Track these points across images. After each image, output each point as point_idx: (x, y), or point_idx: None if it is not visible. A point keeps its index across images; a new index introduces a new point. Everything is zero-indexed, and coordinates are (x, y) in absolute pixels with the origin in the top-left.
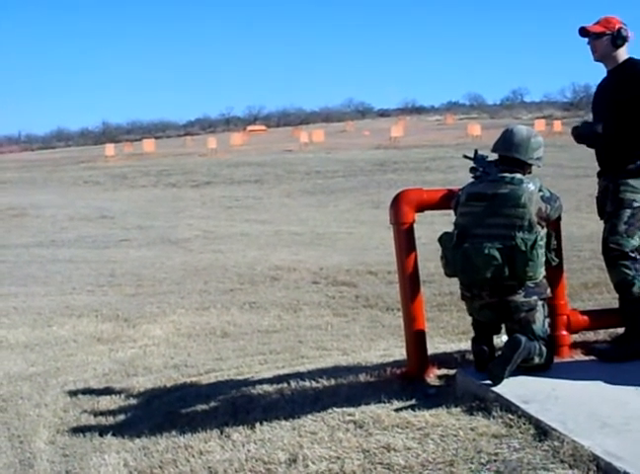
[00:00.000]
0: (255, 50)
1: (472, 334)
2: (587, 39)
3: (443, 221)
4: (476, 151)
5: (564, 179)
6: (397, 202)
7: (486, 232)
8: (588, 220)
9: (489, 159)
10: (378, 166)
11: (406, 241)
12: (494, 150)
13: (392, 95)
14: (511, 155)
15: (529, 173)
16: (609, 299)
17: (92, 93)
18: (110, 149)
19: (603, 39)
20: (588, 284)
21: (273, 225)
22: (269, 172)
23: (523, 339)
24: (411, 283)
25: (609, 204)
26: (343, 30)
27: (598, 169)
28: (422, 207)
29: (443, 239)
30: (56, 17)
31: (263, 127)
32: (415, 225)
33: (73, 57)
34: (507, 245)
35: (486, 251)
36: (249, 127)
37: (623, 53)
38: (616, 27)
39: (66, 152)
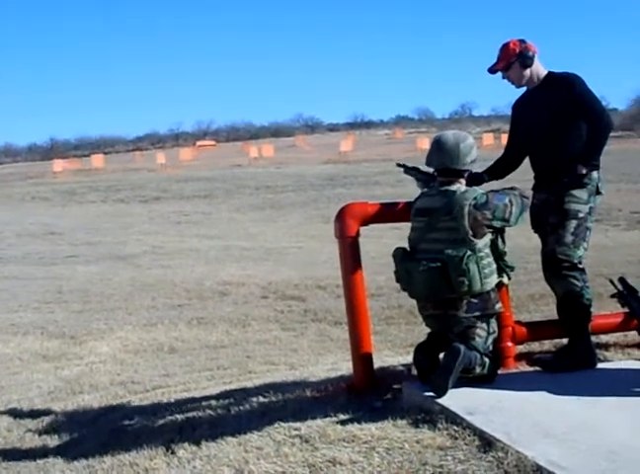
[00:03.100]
0: (203, 65)
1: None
2: (501, 76)
3: (393, 235)
4: (403, 165)
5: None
6: (341, 216)
7: (427, 247)
8: (533, 233)
9: (423, 169)
10: (328, 180)
11: (351, 255)
12: (428, 164)
13: (341, 109)
14: (444, 167)
15: (468, 176)
16: (555, 310)
17: (40, 108)
18: (58, 165)
19: (513, 68)
20: (534, 296)
21: (222, 240)
22: (218, 187)
23: (462, 347)
24: (356, 297)
25: (553, 216)
26: (291, 44)
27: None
28: (366, 221)
29: (395, 254)
30: (2, 30)
31: (212, 142)
32: (364, 239)
33: (20, 73)
34: (441, 261)
35: (421, 268)
36: (198, 143)
37: (539, 68)
38: (517, 51)
39: (14, 168)
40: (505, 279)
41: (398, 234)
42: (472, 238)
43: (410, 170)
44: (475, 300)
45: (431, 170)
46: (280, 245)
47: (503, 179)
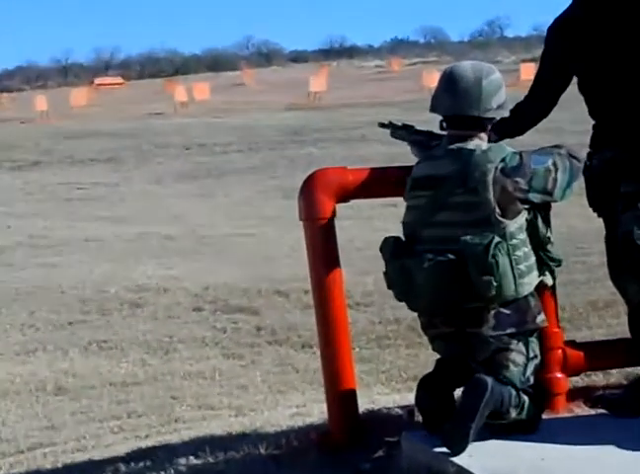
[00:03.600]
0: None
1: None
2: None
3: (387, 215)
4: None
5: None
6: (309, 189)
7: (432, 234)
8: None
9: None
10: (292, 135)
11: (323, 245)
12: (433, 109)
13: (310, 31)
14: (459, 113)
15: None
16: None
17: None
18: None
19: None
20: (596, 304)
21: (134, 226)
22: (128, 146)
23: (489, 381)
24: (332, 307)
25: (627, 184)
26: None
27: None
28: (346, 195)
29: (383, 247)
30: None
31: (118, 80)
32: (343, 222)
33: None
34: (455, 252)
35: (425, 264)
36: (97, 80)
37: None
38: None
39: None
40: (548, 279)
41: (395, 213)
42: (501, 218)
43: (399, 130)
44: (507, 310)
45: (432, 128)
46: (219, 232)
47: (520, 136)
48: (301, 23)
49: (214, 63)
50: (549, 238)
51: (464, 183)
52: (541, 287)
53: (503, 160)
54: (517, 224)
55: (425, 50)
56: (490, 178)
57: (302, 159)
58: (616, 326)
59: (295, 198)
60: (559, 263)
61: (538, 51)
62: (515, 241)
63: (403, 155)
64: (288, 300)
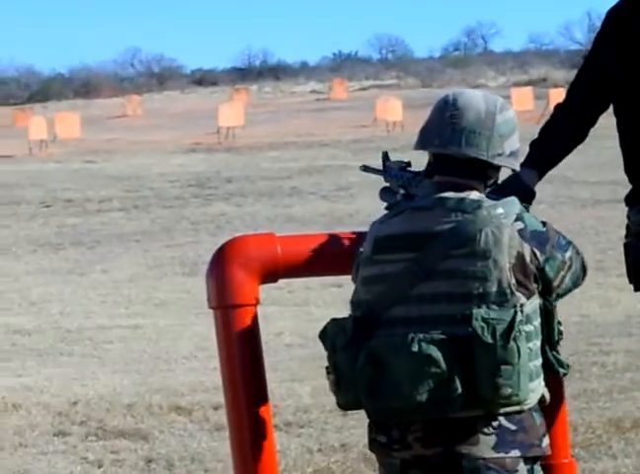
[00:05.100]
0: None
1: None
2: None
3: (329, 298)
4: (385, 154)
5: (572, 205)
6: (222, 264)
7: (415, 312)
8: (621, 291)
9: (412, 168)
10: (195, 188)
11: (240, 342)
12: (423, 146)
13: (221, 44)
14: (460, 153)
15: (494, 184)
16: None
17: None
18: None
19: None
20: (622, 422)
21: None
22: None
23: None
24: (252, 430)
25: None
26: None
27: (627, 189)
28: (273, 273)
29: (329, 333)
30: None
31: None
32: (265, 309)
33: None
34: (456, 335)
35: (414, 348)
36: None
37: None
38: None
39: None
40: (547, 393)
41: (340, 296)
42: (518, 293)
43: (381, 169)
44: (511, 424)
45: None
46: (93, 323)
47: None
48: (209, 32)
49: (86, 87)
50: (561, 333)
51: (467, 243)
52: (542, 402)
53: (521, 219)
54: (532, 305)
55: (380, 70)
56: (506, 238)
57: (210, 221)
58: None
59: (201, 276)
60: (567, 368)
61: (536, 72)
62: (530, 328)
63: (356, 215)
64: (191, 419)
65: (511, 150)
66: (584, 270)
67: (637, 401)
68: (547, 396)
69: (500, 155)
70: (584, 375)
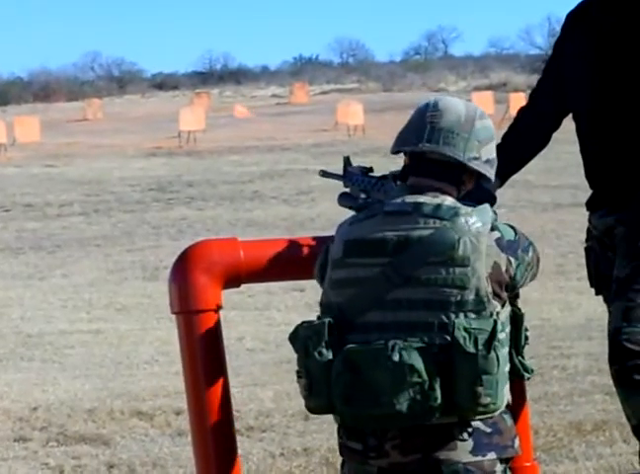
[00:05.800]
0: None
1: None
2: None
3: (291, 303)
4: (347, 159)
5: (533, 208)
6: (184, 269)
7: (390, 317)
8: (581, 294)
9: (374, 173)
10: (156, 192)
11: (202, 347)
12: (400, 145)
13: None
14: (437, 150)
15: (466, 190)
16: (629, 455)
17: None
18: None
19: None
20: (583, 425)
21: None
22: None
23: None
24: (214, 435)
25: (621, 263)
26: None
27: (588, 193)
28: (236, 278)
29: (301, 335)
30: None
31: None
32: (227, 313)
33: None
34: (435, 343)
35: (396, 357)
36: None
37: None
38: None
39: None
40: (509, 397)
41: (302, 301)
42: (495, 301)
43: (340, 175)
44: (486, 427)
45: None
46: (53, 328)
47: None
48: (170, 36)
49: (45, 90)
50: (527, 338)
51: (446, 251)
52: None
53: (494, 228)
54: (505, 313)
55: (341, 74)
56: (484, 247)
57: (171, 225)
58: (610, 457)
59: (162, 280)
60: (531, 372)
61: (497, 76)
62: (502, 335)
63: (312, 219)
64: (152, 425)
65: (487, 157)
66: (538, 265)
67: (598, 404)
68: (510, 398)
69: (476, 159)
70: (545, 379)
